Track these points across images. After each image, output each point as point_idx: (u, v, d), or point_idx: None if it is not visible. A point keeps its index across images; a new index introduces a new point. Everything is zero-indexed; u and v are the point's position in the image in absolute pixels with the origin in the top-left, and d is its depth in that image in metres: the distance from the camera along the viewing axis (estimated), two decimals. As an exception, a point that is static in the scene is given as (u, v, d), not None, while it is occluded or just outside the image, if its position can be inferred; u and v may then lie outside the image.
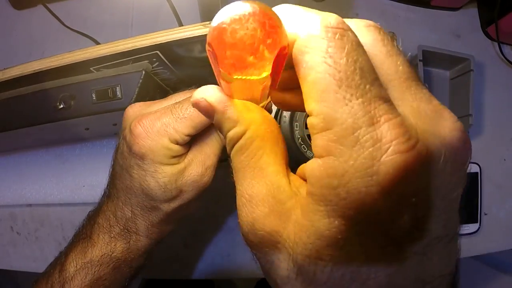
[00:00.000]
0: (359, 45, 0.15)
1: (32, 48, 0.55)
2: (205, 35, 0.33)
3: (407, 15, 0.55)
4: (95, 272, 0.32)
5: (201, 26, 0.33)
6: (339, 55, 0.14)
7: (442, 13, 0.56)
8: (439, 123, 0.14)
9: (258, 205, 0.16)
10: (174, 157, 0.30)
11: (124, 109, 0.33)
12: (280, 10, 0.16)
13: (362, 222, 0.14)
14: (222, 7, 0.15)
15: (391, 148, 0.13)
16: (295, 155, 0.38)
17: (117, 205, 0.32)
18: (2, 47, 0.56)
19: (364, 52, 0.15)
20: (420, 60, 0.48)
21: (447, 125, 0.15)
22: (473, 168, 0.51)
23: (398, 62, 0.16)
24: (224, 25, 0.15)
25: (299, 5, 0.16)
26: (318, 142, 0.14)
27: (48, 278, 0.33)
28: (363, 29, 0.16)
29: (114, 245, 0.32)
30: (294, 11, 0.16)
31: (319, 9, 0.16)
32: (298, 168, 0.17)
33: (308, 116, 0.15)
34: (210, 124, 0.30)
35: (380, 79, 0.15)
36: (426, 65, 0.52)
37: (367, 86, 0.14)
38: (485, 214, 0.51)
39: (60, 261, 0.33)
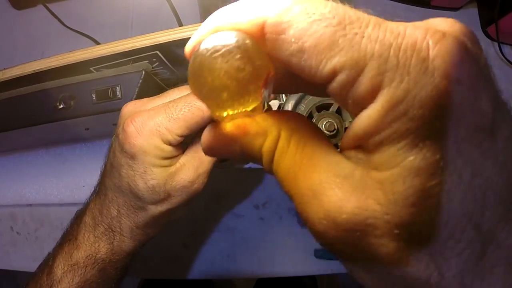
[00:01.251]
0: None
1: (32, 48, 0.55)
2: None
3: (407, 15, 0.55)
4: (81, 274, 0.32)
5: (201, 26, 0.33)
6: (322, 7, 0.13)
7: (442, 13, 0.56)
8: (435, 26, 0.13)
9: (325, 192, 0.14)
10: (165, 158, 0.30)
11: (124, 109, 0.33)
12: (235, 8, 0.15)
13: (450, 130, 0.12)
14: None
15: (430, 42, 0.12)
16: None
17: (103, 203, 0.32)
18: (2, 47, 0.56)
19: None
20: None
21: (444, 24, 0.14)
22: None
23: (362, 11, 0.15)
24: (215, 53, 0.14)
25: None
26: (362, 87, 0.13)
27: (37, 281, 0.33)
28: None
29: (98, 245, 0.32)
30: (249, 2, 0.15)
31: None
32: (342, 143, 0.16)
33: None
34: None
35: None
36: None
37: (366, 16, 0.13)
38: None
39: (48, 264, 0.33)
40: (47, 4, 0.55)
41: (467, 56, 0.12)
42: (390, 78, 0.12)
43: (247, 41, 0.14)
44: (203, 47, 0.14)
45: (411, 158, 0.12)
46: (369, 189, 0.13)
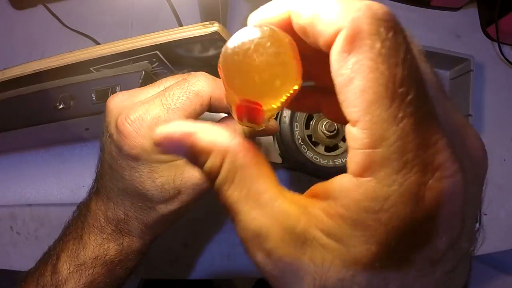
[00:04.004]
0: (411, 46, 0.13)
1: (32, 48, 0.55)
2: (205, 35, 0.33)
3: (407, 15, 0.55)
4: (88, 275, 0.30)
5: (201, 26, 0.33)
6: (395, 60, 0.12)
7: (442, 13, 0.55)
8: (466, 140, 0.14)
9: (268, 238, 0.15)
10: None
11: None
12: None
13: (401, 248, 0.13)
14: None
15: (438, 172, 0.12)
16: (295, 155, 0.38)
17: (107, 206, 0.30)
18: (2, 47, 0.56)
19: (415, 56, 0.13)
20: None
21: (474, 143, 0.14)
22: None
23: (428, 70, 0.14)
24: (248, 50, 0.14)
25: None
26: (359, 159, 0.13)
27: (38, 279, 0.31)
28: None
29: (107, 247, 0.31)
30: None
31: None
32: (311, 188, 0.16)
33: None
34: (220, 119, 0.29)
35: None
36: (426, 65, 0.52)
37: (420, 102, 0.13)
38: (485, 214, 0.51)
39: (51, 262, 0.31)
40: (47, 4, 0.55)
41: (456, 199, 0.13)
42: (385, 176, 0.13)
43: (265, 28, 0.14)
44: (231, 50, 0.14)
45: (357, 250, 0.13)
46: (310, 246, 0.14)
